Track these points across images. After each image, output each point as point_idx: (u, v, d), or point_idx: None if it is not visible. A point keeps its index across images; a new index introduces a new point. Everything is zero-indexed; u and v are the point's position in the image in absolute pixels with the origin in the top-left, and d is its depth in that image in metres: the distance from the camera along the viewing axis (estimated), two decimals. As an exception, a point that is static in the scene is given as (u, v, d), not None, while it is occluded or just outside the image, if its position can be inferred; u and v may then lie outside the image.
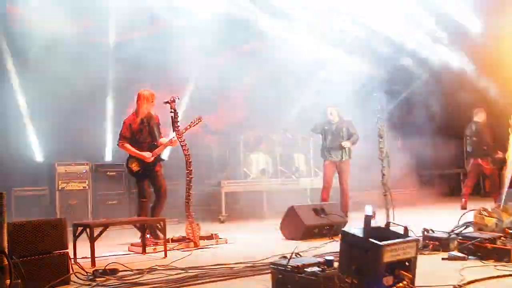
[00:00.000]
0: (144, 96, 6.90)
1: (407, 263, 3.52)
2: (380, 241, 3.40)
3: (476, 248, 4.79)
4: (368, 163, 11.22)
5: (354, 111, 11.10)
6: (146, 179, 6.93)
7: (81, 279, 4.42)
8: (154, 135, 6.94)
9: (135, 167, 6.89)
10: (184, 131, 6.68)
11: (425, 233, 5.44)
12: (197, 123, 6.92)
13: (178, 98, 6.73)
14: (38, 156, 10.12)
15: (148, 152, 6.84)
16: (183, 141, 6.57)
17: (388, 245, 3.36)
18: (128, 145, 6.87)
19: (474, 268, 4.35)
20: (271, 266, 3.90)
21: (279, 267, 3.78)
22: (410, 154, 12.32)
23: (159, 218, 6.39)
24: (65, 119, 10.68)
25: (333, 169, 8.57)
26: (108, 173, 9.96)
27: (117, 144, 6.99)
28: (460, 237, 5.10)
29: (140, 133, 6.89)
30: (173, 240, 6.40)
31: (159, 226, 6.05)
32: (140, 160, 6.84)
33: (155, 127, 6.93)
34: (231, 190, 10.12)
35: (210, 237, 6.64)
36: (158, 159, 6.96)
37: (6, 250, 3.14)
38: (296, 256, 4.02)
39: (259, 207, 10.27)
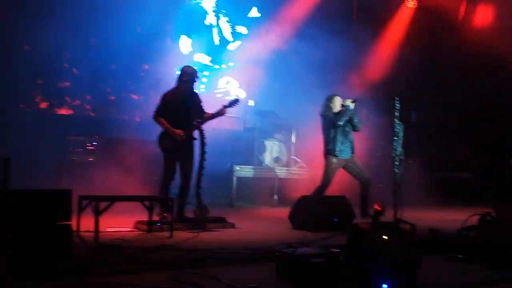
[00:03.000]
0: (185, 72, 6.79)
1: (411, 261, 3.46)
2: (387, 237, 3.34)
3: (479, 252, 4.73)
4: (380, 160, 11.12)
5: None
6: (175, 159, 6.80)
7: (83, 252, 4.40)
8: (189, 113, 6.77)
9: (167, 143, 6.74)
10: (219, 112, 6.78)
11: (431, 233, 5.38)
12: (232, 105, 6.90)
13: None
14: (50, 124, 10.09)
15: (181, 130, 6.71)
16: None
17: (396, 241, 3.31)
18: (163, 120, 6.74)
19: (476, 272, 4.28)
20: (277, 253, 3.86)
21: (285, 255, 3.74)
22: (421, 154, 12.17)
23: (167, 197, 6.36)
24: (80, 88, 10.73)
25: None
26: (118, 147, 9.90)
27: (152, 117, 6.85)
28: (465, 240, 5.05)
29: (177, 109, 6.75)
30: (180, 221, 6.37)
31: (168, 206, 6.00)
32: (172, 137, 6.73)
33: (196, 106, 6.77)
34: (243, 175, 10.07)
35: (217, 221, 6.60)
36: (190, 138, 6.81)
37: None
38: (302, 245, 3.96)
39: (269, 194, 10.22)
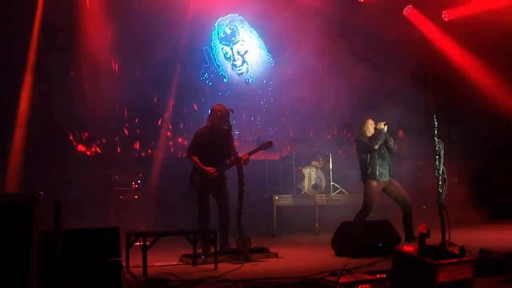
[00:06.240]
0: (212, 110, 7.00)
1: (462, 285, 3.41)
2: (435, 260, 3.30)
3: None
4: (421, 179, 10.98)
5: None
6: (208, 194, 6.96)
7: (133, 287, 4.49)
8: (222, 151, 6.95)
9: (198, 180, 6.92)
10: (248, 155, 6.81)
11: (483, 254, 5.22)
12: (265, 148, 6.99)
13: (232, 111, 6.77)
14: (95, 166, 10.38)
15: (213, 168, 6.86)
16: (237, 154, 6.65)
17: (443, 264, 3.27)
18: (196, 158, 6.92)
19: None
20: (321, 282, 3.84)
21: (329, 284, 3.72)
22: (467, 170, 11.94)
23: (210, 230, 6.43)
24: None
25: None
26: (162, 184, 10.13)
27: (186, 155, 7.09)
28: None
29: (208, 146, 6.93)
30: (223, 253, 6.42)
31: (210, 239, 6.07)
32: (204, 174, 6.88)
33: (225, 142, 6.86)
34: (282, 205, 10.08)
35: (260, 251, 6.63)
36: (222, 175, 6.98)
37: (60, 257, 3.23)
38: (346, 272, 3.94)
39: (310, 222, 10.17)
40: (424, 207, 10.09)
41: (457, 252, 3.56)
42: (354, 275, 3.96)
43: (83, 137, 10.48)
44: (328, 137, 12.58)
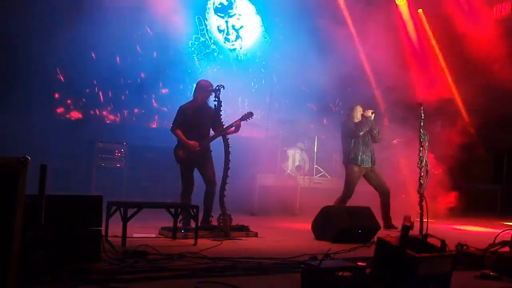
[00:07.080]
0: (200, 86, 6.96)
1: (441, 278, 3.44)
2: (416, 252, 3.33)
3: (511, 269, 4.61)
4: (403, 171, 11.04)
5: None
6: (192, 168, 6.94)
7: (111, 257, 4.47)
8: (206, 125, 6.94)
9: (181, 154, 6.90)
10: (233, 125, 6.80)
11: (459, 248, 5.28)
12: (246, 119, 6.95)
13: (223, 87, 6.71)
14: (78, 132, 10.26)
15: (195, 142, 6.83)
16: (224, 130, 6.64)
17: (424, 258, 3.29)
18: (179, 132, 6.90)
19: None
20: (302, 266, 3.85)
21: (310, 268, 3.73)
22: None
23: (192, 204, 6.41)
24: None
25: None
26: (145, 154, 10.06)
27: (170, 129, 7.04)
28: (496, 256, 4.93)
29: (192, 120, 6.91)
30: (204, 229, 6.41)
31: (192, 213, 6.05)
32: (187, 148, 6.85)
33: (209, 117, 6.84)
34: (265, 184, 10.09)
35: (240, 229, 6.63)
36: (206, 149, 6.95)
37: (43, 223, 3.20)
38: (327, 258, 3.95)
39: (291, 203, 10.21)
40: (403, 196, 10.18)
41: (438, 245, 3.59)
42: (336, 261, 3.98)
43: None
44: (324, 121, 12.56)
